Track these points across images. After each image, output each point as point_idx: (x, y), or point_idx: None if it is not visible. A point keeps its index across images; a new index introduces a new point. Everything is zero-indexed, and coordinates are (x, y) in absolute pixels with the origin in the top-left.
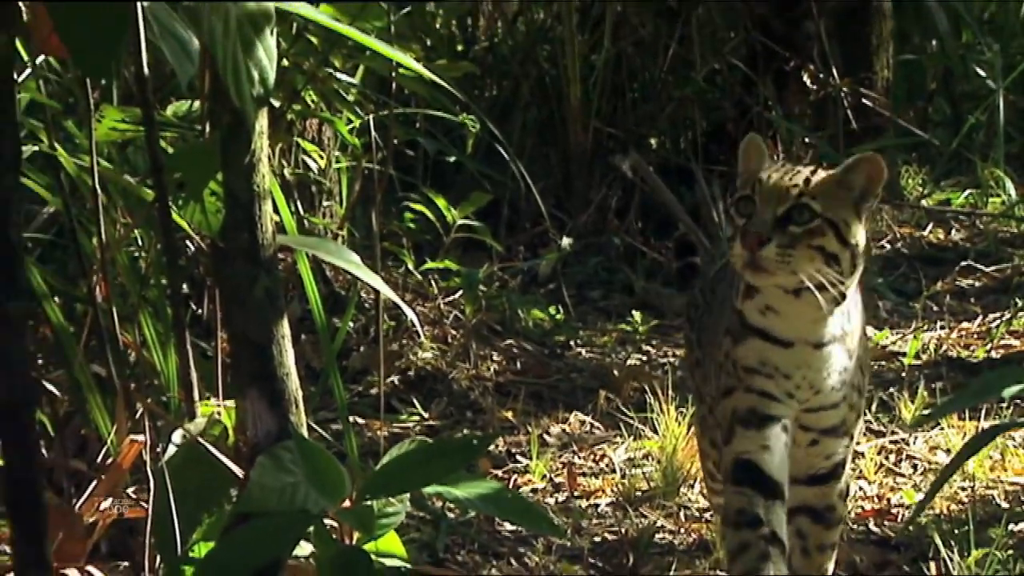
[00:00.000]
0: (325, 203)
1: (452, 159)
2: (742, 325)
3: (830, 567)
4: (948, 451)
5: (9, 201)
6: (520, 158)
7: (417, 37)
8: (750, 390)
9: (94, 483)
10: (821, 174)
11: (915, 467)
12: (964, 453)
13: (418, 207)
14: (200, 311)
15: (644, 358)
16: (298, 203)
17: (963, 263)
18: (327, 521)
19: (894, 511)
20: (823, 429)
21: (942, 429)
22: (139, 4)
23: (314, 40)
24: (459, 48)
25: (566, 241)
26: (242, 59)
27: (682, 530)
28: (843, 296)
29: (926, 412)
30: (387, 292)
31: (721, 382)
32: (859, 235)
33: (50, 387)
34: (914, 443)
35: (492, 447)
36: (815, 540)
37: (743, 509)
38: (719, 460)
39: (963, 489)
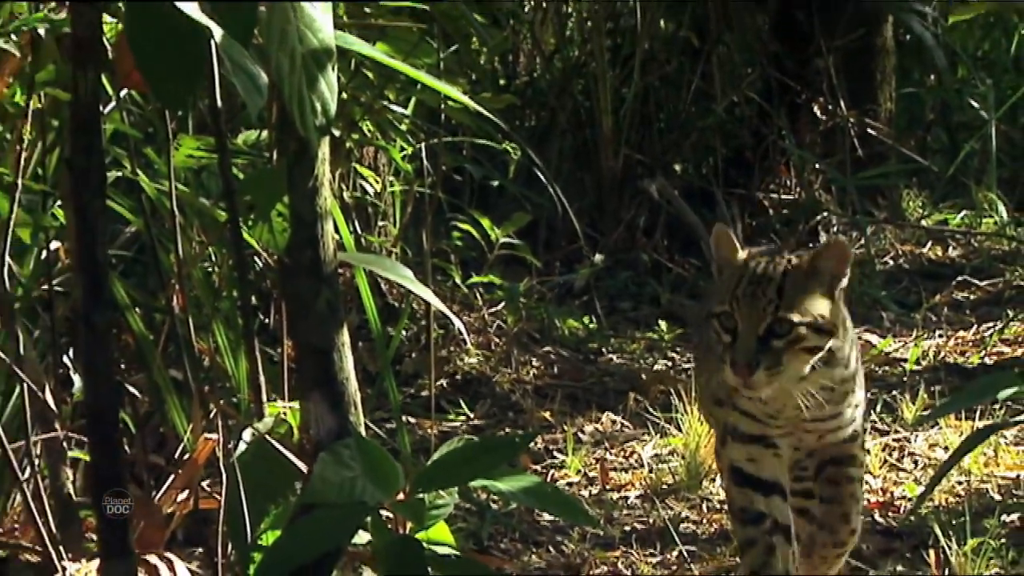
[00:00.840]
0: (380, 223)
1: (495, 183)
2: None
3: (860, 494)
4: (946, 448)
5: (96, 222)
6: (557, 182)
7: (463, 72)
8: (736, 408)
9: (172, 477)
10: (791, 275)
11: (916, 463)
12: (961, 450)
13: (464, 227)
14: (268, 321)
15: (669, 364)
16: (356, 223)
17: (959, 278)
18: (383, 512)
19: (897, 503)
20: (828, 430)
21: (941, 428)
22: (213, 42)
23: (371, 75)
24: (502, 82)
25: (598, 257)
26: (306, 93)
27: (704, 520)
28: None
29: (926, 413)
30: (437, 304)
31: (713, 385)
32: (836, 315)
33: (132, 389)
34: (915, 441)
35: (532, 444)
36: (843, 474)
37: (745, 507)
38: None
39: (960, 483)
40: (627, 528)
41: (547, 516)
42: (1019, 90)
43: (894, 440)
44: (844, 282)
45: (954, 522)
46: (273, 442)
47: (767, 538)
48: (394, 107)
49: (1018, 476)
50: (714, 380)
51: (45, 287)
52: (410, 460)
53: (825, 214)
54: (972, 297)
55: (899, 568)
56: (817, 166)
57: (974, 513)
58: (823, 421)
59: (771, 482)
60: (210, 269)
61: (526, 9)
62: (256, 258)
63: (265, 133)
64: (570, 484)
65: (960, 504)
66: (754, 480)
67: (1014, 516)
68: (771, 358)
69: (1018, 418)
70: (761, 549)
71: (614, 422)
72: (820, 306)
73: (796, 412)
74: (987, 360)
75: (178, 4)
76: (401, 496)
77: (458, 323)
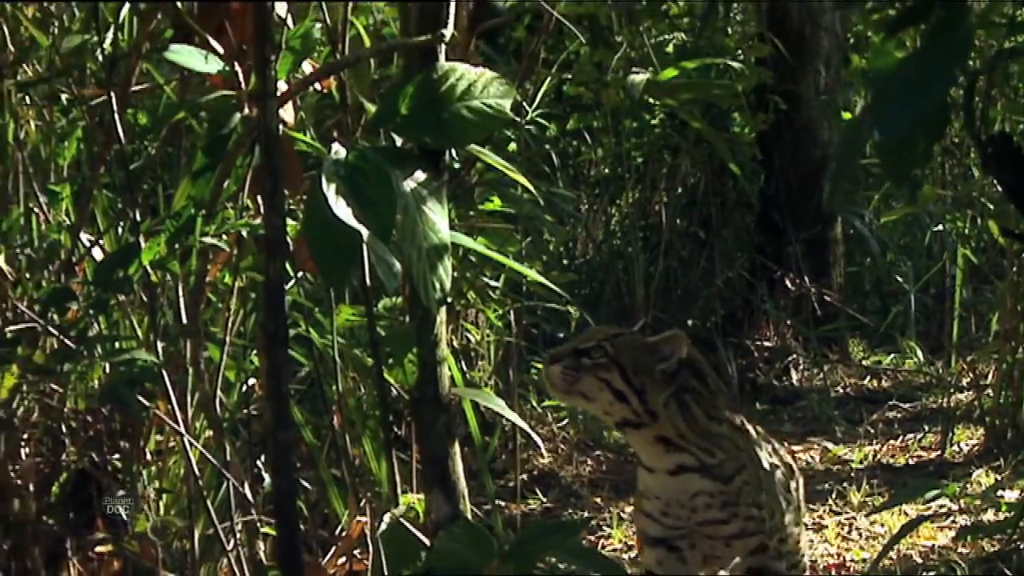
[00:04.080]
0: (480, 363)
1: (561, 335)
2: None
3: None
4: (883, 524)
5: (281, 366)
6: None
7: (538, 256)
8: (642, 511)
9: (334, 548)
10: (636, 337)
11: (861, 535)
12: (900, 534)
13: (539, 366)
14: (401, 433)
15: None
16: (463, 364)
17: (890, 402)
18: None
19: (848, 565)
20: (724, 536)
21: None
22: (363, 240)
23: (473, 259)
24: (565, 262)
25: None
26: (429, 276)
27: None
28: (669, 441)
29: (868, 499)
30: (519, 422)
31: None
32: (653, 392)
33: (305, 483)
34: (860, 519)
35: (587, 523)
36: None
37: None
38: None
39: (892, 550)
40: None
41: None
42: (930, 270)
43: (845, 518)
44: (668, 367)
45: None
46: (405, 523)
47: None
48: (490, 282)
49: (934, 545)
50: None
51: (245, 411)
52: (502, 535)
53: (794, 356)
54: (899, 416)
55: None
56: (788, 322)
57: (903, 573)
58: (715, 525)
59: None
60: (361, 398)
61: (582, 210)
62: (393, 391)
63: (400, 300)
64: (614, 550)
65: (893, 566)
66: None
67: (931, 574)
68: (574, 364)
69: (933, 502)
70: None
71: None
72: (639, 367)
73: (685, 512)
74: (910, 461)
75: (338, 214)
76: (497, 563)
77: (534, 435)
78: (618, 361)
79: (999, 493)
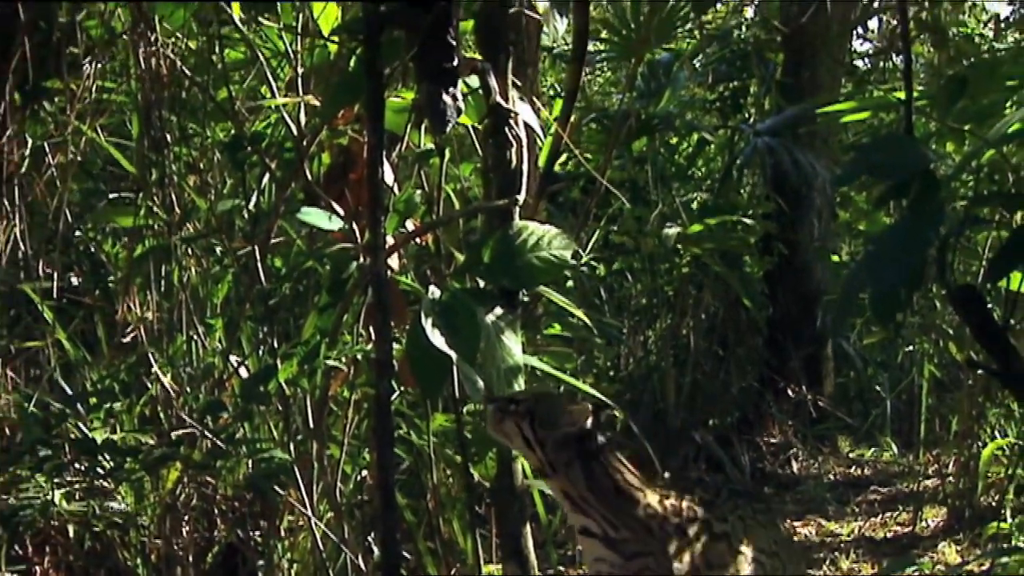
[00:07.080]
0: None
1: (607, 434)
2: None
3: None
4: None
5: (388, 462)
6: (643, 433)
7: (590, 371)
8: None
9: None
10: (560, 402)
11: None
12: None
13: None
14: (482, 512)
15: None
16: None
17: (871, 487)
18: None
19: None
20: None
21: None
22: (453, 363)
23: (539, 374)
24: (611, 375)
25: (667, 475)
26: (506, 391)
27: None
28: (572, 499)
29: (855, 565)
30: None
31: None
32: (553, 449)
33: (406, 554)
34: None
35: None
36: None
37: None
38: None
39: None
40: None
41: None
42: (902, 381)
43: None
44: (569, 430)
45: None
46: None
47: None
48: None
49: None
50: None
51: (359, 498)
52: None
53: (795, 450)
54: (879, 498)
55: None
56: (790, 423)
57: None
58: None
59: None
60: (450, 486)
61: (624, 334)
62: (475, 480)
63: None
64: None
65: None
66: None
67: None
68: (503, 408)
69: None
70: None
71: None
72: (547, 423)
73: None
74: (888, 535)
75: (433, 342)
76: None
77: None
78: (531, 413)
79: (966, 568)
